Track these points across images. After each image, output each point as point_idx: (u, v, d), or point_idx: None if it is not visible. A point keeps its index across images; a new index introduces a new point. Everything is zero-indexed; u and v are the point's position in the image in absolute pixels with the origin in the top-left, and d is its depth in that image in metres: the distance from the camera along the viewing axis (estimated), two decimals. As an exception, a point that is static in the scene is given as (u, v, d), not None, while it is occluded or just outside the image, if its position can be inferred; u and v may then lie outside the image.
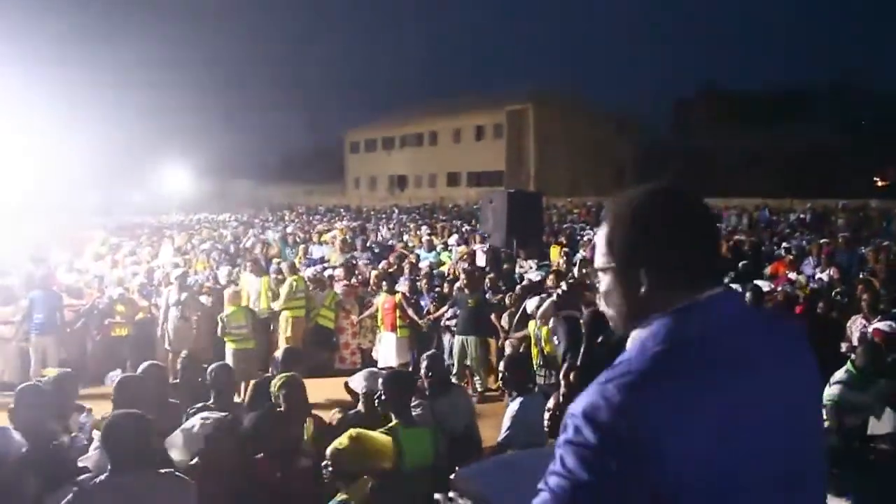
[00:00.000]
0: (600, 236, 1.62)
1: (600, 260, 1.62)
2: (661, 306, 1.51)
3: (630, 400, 1.36)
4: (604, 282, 1.62)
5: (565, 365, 2.97)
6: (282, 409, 4.98)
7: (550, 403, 4.59)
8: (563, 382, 2.19)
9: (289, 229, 25.01)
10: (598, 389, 1.39)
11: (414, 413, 5.34)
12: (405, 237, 21.57)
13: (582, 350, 2.25)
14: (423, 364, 5.89)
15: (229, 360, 10.07)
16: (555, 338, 3.06)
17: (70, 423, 5.33)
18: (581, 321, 3.03)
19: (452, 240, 18.97)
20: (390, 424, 4.50)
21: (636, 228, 1.55)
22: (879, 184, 49.51)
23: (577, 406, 1.40)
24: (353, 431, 3.91)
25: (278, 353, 6.46)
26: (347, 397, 5.86)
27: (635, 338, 1.54)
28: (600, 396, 1.38)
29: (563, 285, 3.12)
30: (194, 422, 4.80)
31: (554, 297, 3.09)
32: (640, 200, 1.58)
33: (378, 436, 4.00)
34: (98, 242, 19.85)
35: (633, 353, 1.49)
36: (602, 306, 1.66)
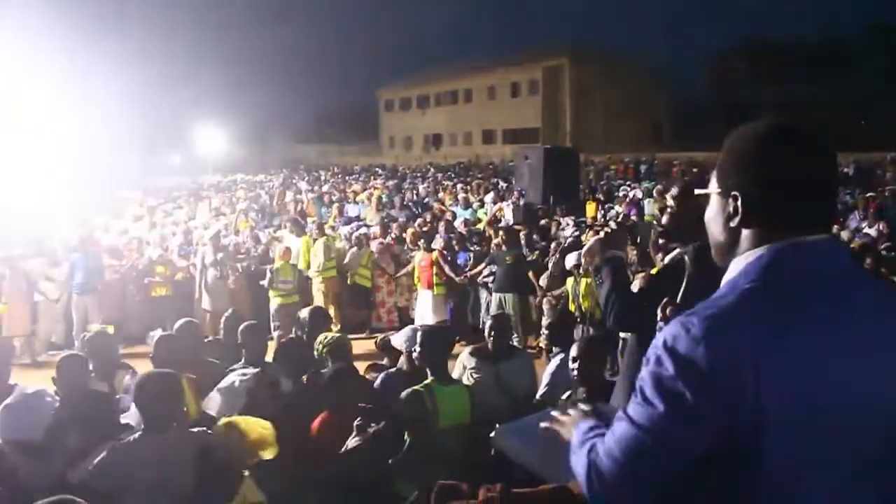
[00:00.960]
0: (717, 164, 1.61)
1: (711, 185, 1.62)
2: (755, 241, 1.50)
3: (710, 333, 1.37)
4: (710, 207, 1.62)
5: (611, 310, 2.91)
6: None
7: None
8: (659, 315, 2.17)
9: (325, 188, 25.08)
10: (682, 321, 1.41)
11: (477, 375, 5.31)
12: (441, 194, 21.50)
13: (683, 285, 2.21)
14: (488, 325, 5.74)
15: (274, 314, 10.51)
16: (598, 277, 2.99)
17: (115, 381, 5.38)
18: (624, 262, 3.01)
19: (489, 197, 18.85)
20: (426, 381, 4.45)
21: (738, 156, 1.54)
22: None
23: (660, 337, 1.44)
24: (226, 420, 3.43)
25: (304, 313, 6.35)
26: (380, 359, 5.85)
27: (731, 272, 1.54)
28: (682, 327, 1.40)
29: (612, 223, 3.07)
30: (233, 378, 4.80)
31: (602, 234, 3.03)
32: (752, 130, 1.54)
33: (256, 423, 3.51)
34: (136, 204, 20.06)
35: (725, 289, 1.50)
36: (708, 235, 1.65)
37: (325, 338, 5.30)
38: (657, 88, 55.22)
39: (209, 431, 3.82)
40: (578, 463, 1.57)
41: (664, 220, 3.16)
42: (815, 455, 1.38)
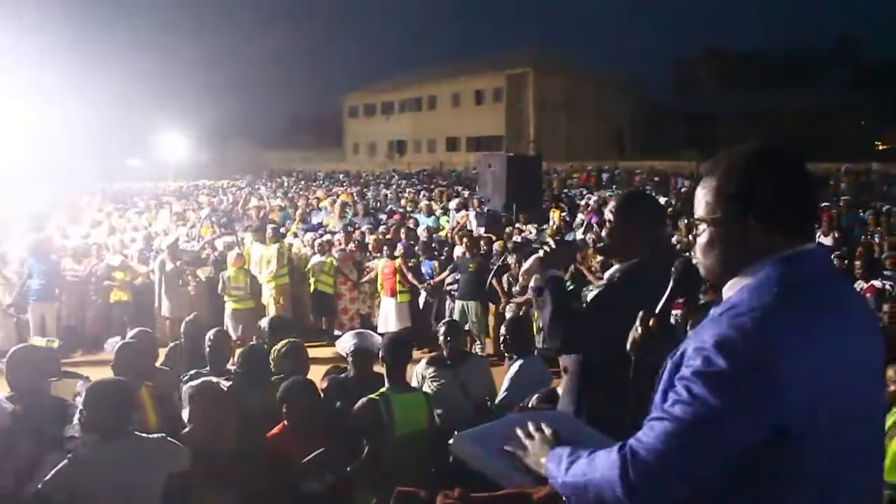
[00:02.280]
0: (708, 188, 1.70)
1: (705, 210, 1.70)
2: (762, 254, 1.61)
3: (762, 329, 1.47)
4: (706, 233, 1.71)
5: (548, 325, 2.91)
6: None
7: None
8: (639, 329, 2.19)
9: (289, 194, 24.97)
10: (727, 323, 1.51)
11: (438, 383, 5.31)
12: (402, 201, 21.45)
13: (664, 297, 2.24)
14: (441, 331, 5.80)
15: (228, 319, 10.48)
16: (539, 298, 2.98)
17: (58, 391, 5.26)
18: (565, 280, 2.99)
19: (453, 204, 18.85)
20: (381, 390, 4.44)
21: (737, 179, 1.65)
22: (880, 147, 49.08)
23: (705, 339, 1.51)
24: None
25: (263, 322, 6.34)
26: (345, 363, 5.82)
27: (736, 286, 1.65)
28: (730, 328, 1.49)
29: (552, 242, 3.04)
30: (185, 388, 4.76)
31: (540, 253, 3.01)
32: (745, 155, 1.67)
33: None
34: (95, 209, 19.74)
35: (749, 294, 1.58)
36: (698, 257, 1.75)
37: (281, 346, 5.28)
38: (621, 97, 55.70)
39: (170, 438, 3.79)
40: (597, 468, 1.61)
41: (603, 233, 3.15)
42: (845, 446, 1.51)
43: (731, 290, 1.65)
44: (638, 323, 2.31)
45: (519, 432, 1.98)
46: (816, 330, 1.49)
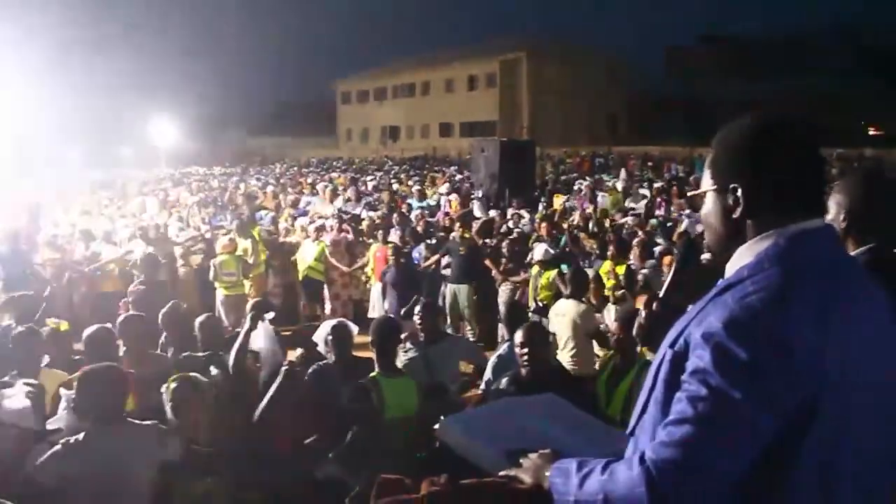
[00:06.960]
0: (712, 157, 1.67)
1: (704, 183, 1.68)
2: (762, 228, 1.55)
3: (772, 309, 1.40)
4: (706, 204, 1.67)
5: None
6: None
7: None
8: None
9: (281, 181, 24.92)
10: (734, 304, 1.43)
11: (407, 357, 5.31)
12: (396, 186, 21.38)
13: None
14: (416, 311, 5.87)
15: (220, 306, 10.40)
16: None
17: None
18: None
19: (444, 188, 18.79)
20: (371, 375, 4.40)
21: (735, 151, 1.60)
22: (872, 133, 48.97)
23: (713, 323, 1.43)
24: None
25: (248, 306, 6.32)
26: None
27: (737, 262, 1.58)
28: (740, 309, 1.42)
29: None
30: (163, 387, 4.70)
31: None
32: (748, 125, 1.62)
33: None
34: (85, 197, 19.65)
35: (749, 272, 1.51)
36: (705, 230, 1.71)
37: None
38: (615, 81, 55.59)
39: (161, 425, 3.74)
40: (618, 482, 1.47)
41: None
42: (858, 433, 1.44)
43: (733, 267, 1.58)
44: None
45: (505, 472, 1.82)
46: (833, 311, 1.41)
